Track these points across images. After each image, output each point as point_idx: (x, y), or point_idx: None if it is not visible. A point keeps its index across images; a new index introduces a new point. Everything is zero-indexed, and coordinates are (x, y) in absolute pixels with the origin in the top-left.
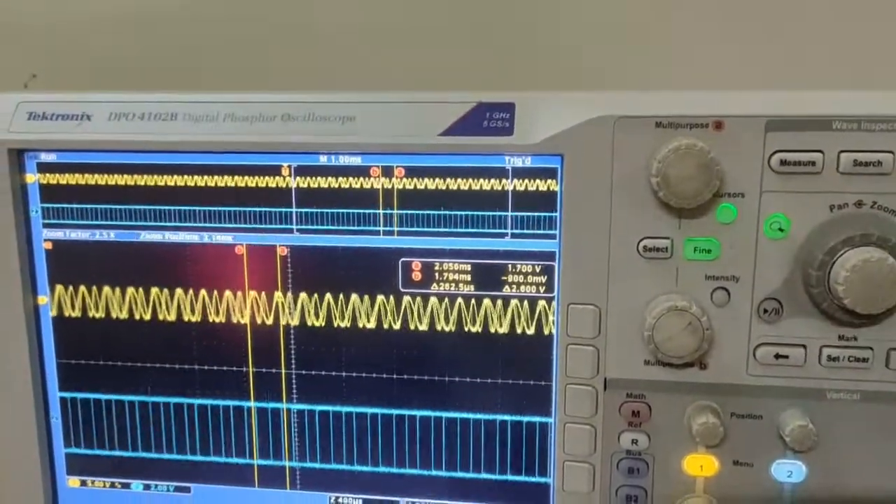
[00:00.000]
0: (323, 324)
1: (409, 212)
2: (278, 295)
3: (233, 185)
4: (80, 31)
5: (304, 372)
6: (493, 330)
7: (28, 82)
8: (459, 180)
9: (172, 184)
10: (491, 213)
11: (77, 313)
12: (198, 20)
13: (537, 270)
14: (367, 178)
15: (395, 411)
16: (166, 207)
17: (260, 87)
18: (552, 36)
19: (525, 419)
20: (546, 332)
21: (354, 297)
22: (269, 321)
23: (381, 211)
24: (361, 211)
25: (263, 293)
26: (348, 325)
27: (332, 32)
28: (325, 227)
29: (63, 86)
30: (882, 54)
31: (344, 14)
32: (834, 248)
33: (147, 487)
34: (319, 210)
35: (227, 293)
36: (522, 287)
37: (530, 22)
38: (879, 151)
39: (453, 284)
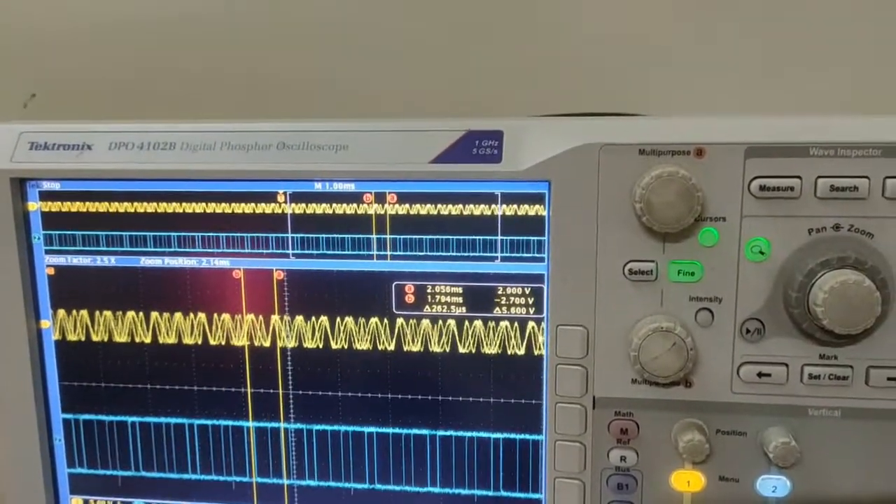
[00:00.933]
0: (319, 345)
1: (402, 236)
2: (275, 318)
3: (230, 211)
4: (80, 50)
5: (301, 392)
6: (484, 350)
7: (27, 102)
8: (450, 206)
9: (171, 210)
10: (481, 238)
11: (79, 337)
12: (191, 46)
13: (527, 293)
14: (360, 204)
15: (390, 430)
16: (165, 234)
17: (255, 116)
18: (538, 64)
19: (517, 437)
20: (536, 352)
21: (349, 319)
22: (267, 343)
23: (374, 236)
24: (355, 236)
25: (261, 316)
26: (344, 346)
27: (325, 60)
28: (320, 252)
29: (63, 105)
30: (858, 81)
31: (338, 42)
32: (812, 270)
33: None
34: (314, 235)
35: (226, 316)
36: (512, 309)
37: (518, 49)
38: (855, 177)
39: (445, 307)
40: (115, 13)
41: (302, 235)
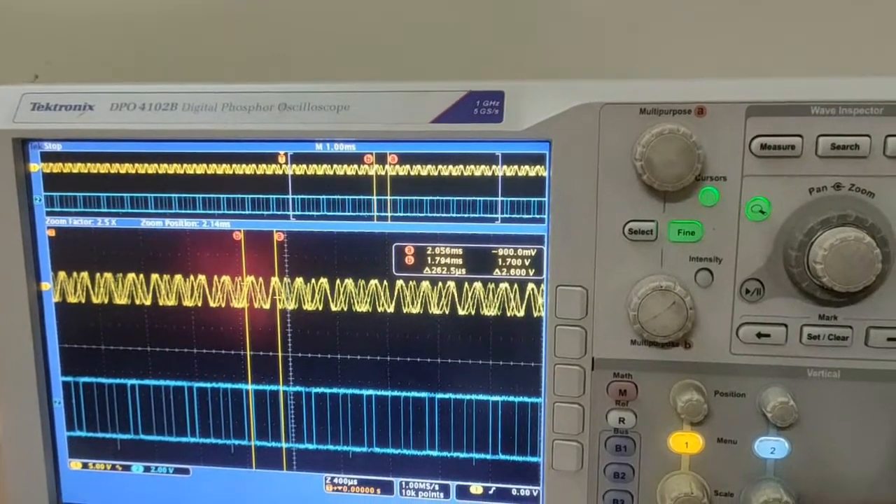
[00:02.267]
0: (319, 308)
1: (402, 198)
2: (275, 280)
3: (231, 172)
4: (82, 31)
5: (300, 355)
6: (483, 312)
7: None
8: (451, 167)
9: (172, 172)
10: (481, 199)
11: (79, 299)
12: (192, 14)
13: (527, 254)
14: (361, 165)
15: (388, 393)
16: (166, 195)
17: (257, 78)
18: (540, 26)
19: (515, 399)
20: (535, 313)
21: (349, 281)
22: (267, 305)
23: (374, 197)
24: (356, 197)
25: (261, 278)
26: (343, 308)
27: (326, 23)
28: (320, 213)
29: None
30: (859, 41)
31: (339, 5)
32: (813, 228)
33: (147, 469)
34: (315, 196)
35: (226, 278)
36: (512, 270)
37: (519, 12)
38: (856, 135)
39: (445, 268)
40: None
41: (302, 197)
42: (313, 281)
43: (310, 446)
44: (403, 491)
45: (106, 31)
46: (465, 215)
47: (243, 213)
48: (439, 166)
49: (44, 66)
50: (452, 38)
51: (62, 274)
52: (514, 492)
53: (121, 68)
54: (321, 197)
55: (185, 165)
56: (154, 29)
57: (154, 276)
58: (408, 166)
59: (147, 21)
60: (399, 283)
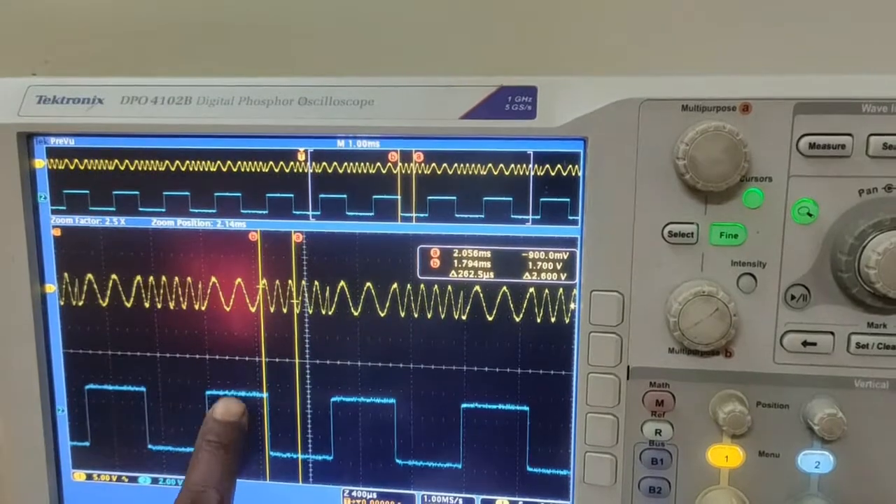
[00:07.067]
0: (338, 312)
1: (428, 197)
2: (292, 283)
3: (247, 170)
4: (81, 29)
5: (318, 362)
6: (512, 318)
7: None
8: (480, 165)
9: (185, 169)
10: (512, 199)
11: (85, 302)
12: (214, 5)
13: (559, 257)
14: (385, 163)
15: (411, 402)
16: (178, 193)
17: (277, 72)
18: (577, 19)
19: (545, 409)
20: (567, 319)
21: (371, 285)
22: (283, 310)
23: (399, 197)
24: (379, 197)
25: (277, 281)
26: (364, 313)
27: (348, 15)
28: (341, 214)
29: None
30: None
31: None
32: (864, 231)
33: (155, 482)
34: (336, 196)
35: (240, 281)
36: (543, 274)
37: (555, 4)
38: None
39: (472, 272)
40: None
41: (323, 196)
42: (333, 284)
43: (327, 457)
44: None
45: (105, 30)
46: (494, 216)
47: (260, 212)
48: (468, 165)
49: (43, 66)
50: (482, 30)
51: (67, 276)
52: None
53: (124, 67)
54: (342, 196)
55: (198, 162)
56: (159, 22)
57: (164, 279)
58: (434, 165)
59: (151, 15)
60: (423, 286)
